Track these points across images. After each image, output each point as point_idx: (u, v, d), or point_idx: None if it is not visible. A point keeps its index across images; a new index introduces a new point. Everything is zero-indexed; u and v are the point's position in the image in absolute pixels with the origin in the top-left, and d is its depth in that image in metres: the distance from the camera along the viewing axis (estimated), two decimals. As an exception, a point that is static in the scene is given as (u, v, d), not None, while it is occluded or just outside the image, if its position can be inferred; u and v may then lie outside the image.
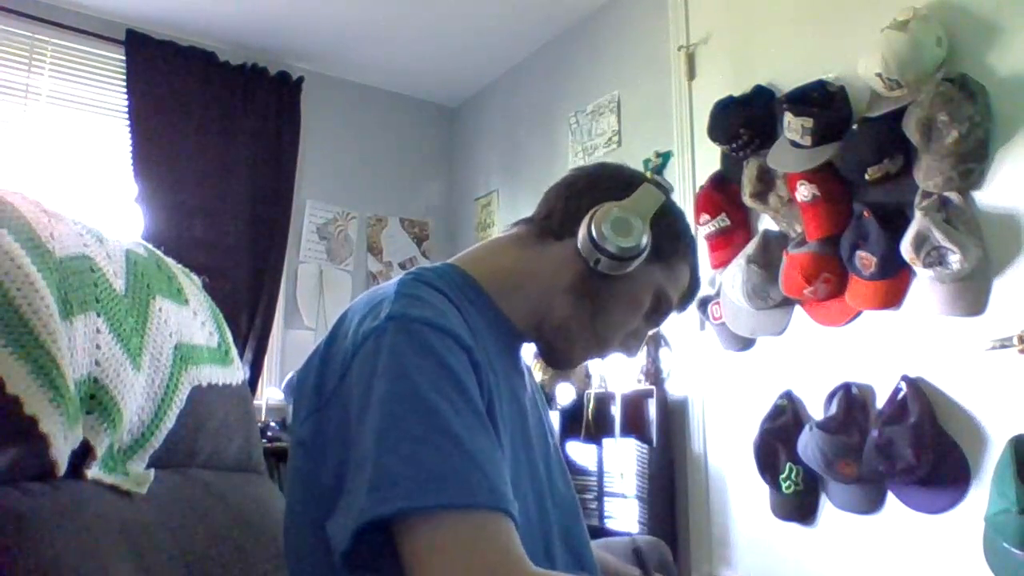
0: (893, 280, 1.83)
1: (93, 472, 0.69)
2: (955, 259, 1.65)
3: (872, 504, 1.87)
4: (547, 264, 0.82)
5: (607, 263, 0.78)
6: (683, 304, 0.90)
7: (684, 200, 2.42)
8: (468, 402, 0.66)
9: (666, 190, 0.83)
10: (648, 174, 0.86)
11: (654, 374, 2.53)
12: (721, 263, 2.27)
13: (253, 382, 3.15)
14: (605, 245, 0.76)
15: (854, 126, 1.88)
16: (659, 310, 0.87)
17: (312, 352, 0.76)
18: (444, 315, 0.70)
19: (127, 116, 3.09)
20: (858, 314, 1.95)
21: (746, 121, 2.19)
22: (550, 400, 2.61)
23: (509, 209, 3.52)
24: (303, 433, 0.71)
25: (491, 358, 0.75)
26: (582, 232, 0.78)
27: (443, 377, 0.65)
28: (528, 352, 0.89)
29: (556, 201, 0.85)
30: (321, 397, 0.70)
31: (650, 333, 0.93)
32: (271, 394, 3.23)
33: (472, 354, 0.69)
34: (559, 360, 0.86)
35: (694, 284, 0.90)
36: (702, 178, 2.40)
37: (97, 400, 0.69)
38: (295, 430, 0.74)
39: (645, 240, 0.78)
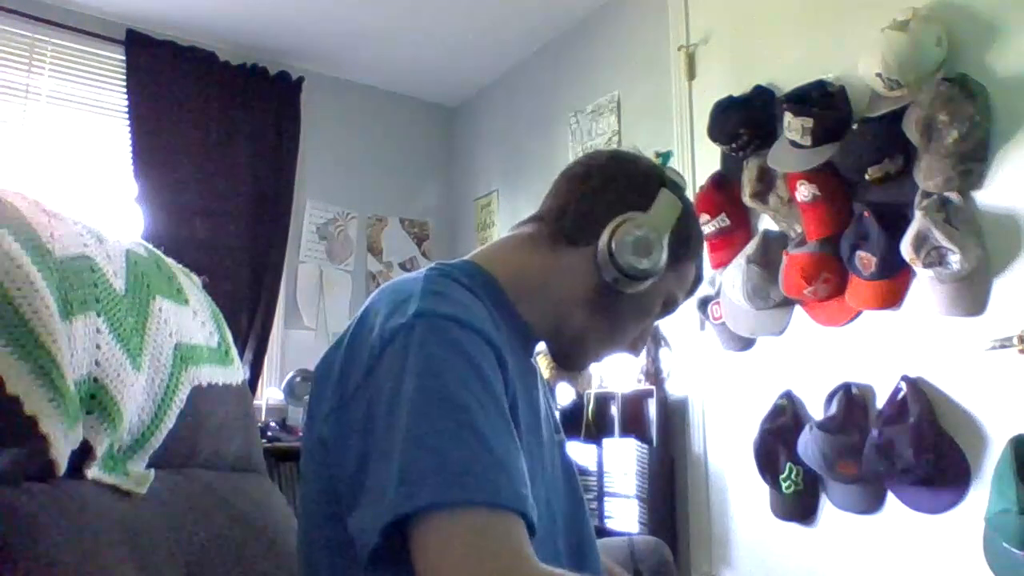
0: (893, 280, 1.83)
1: (93, 472, 0.69)
2: (955, 259, 1.65)
3: (872, 504, 1.87)
4: (563, 272, 0.81)
5: (624, 282, 0.77)
6: (686, 297, 0.90)
7: (684, 200, 2.42)
8: (495, 401, 0.65)
9: (682, 190, 0.83)
10: (658, 161, 0.85)
11: (654, 374, 2.53)
12: (721, 263, 2.27)
13: (253, 382, 3.15)
14: (624, 267, 0.76)
15: (854, 126, 1.88)
16: (665, 310, 0.88)
17: (333, 345, 0.75)
18: (471, 312, 0.70)
19: (127, 116, 3.09)
20: (858, 314, 1.95)
21: (746, 121, 2.19)
22: (550, 400, 2.61)
23: (509, 209, 3.52)
24: (324, 430, 0.70)
25: (511, 356, 0.75)
26: (601, 246, 0.77)
27: (471, 375, 0.65)
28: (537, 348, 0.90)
29: (569, 198, 0.83)
30: (344, 393, 0.69)
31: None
32: (271, 394, 3.23)
33: (500, 352, 0.69)
34: (572, 365, 0.87)
35: (697, 279, 0.90)
36: (702, 178, 2.40)
37: (97, 400, 0.69)
38: (314, 426, 0.72)
39: (664, 259, 0.77)
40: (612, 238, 0.76)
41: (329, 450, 0.70)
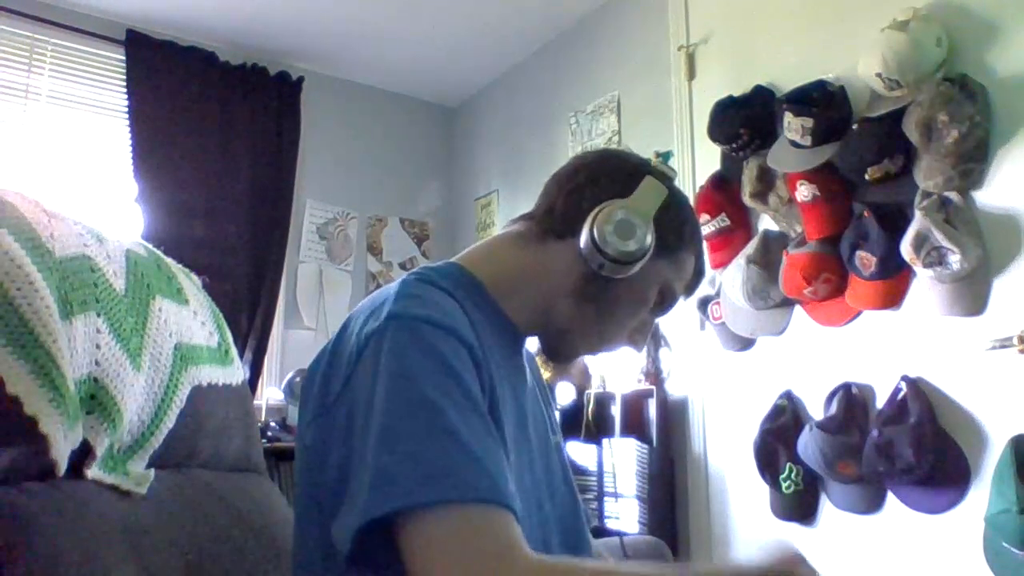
0: (893, 280, 1.83)
1: (93, 472, 0.69)
2: (955, 259, 1.65)
3: (872, 504, 1.87)
4: (549, 266, 0.81)
5: (611, 267, 0.77)
6: (688, 292, 0.89)
7: (684, 200, 2.42)
8: (469, 399, 0.65)
9: (669, 179, 0.82)
10: (652, 160, 0.83)
11: (654, 374, 2.53)
12: (721, 263, 2.27)
13: (253, 382, 3.15)
14: (608, 250, 0.75)
15: (854, 126, 1.88)
16: (664, 303, 0.86)
17: (318, 355, 0.76)
18: (445, 312, 0.70)
19: (127, 116, 3.09)
20: (858, 314, 1.95)
21: (746, 121, 2.19)
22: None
23: (509, 209, 3.52)
24: (308, 437, 0.72)
25: (494, 356, 0.75)
26: (584, 235, 0.77)
27: (444, 374, 0.65)
28: (532, 345, 0.89)
29: (557, 196, 0.83)
30: (326, 401, 0.70)
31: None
32: (271, 394, 3.23)
33: (473, 351, 0.69)
34: (560, 358, 0.86)
35: (699, 271, 0.88)
36: (702, 178, 2.40)
37: (97, 400, 0.69)
38: (301, 434, 0.74)
39: (649, 240, 0.77)
40: (594, 224, 0.76)
41: (313, 457, 0.71)
